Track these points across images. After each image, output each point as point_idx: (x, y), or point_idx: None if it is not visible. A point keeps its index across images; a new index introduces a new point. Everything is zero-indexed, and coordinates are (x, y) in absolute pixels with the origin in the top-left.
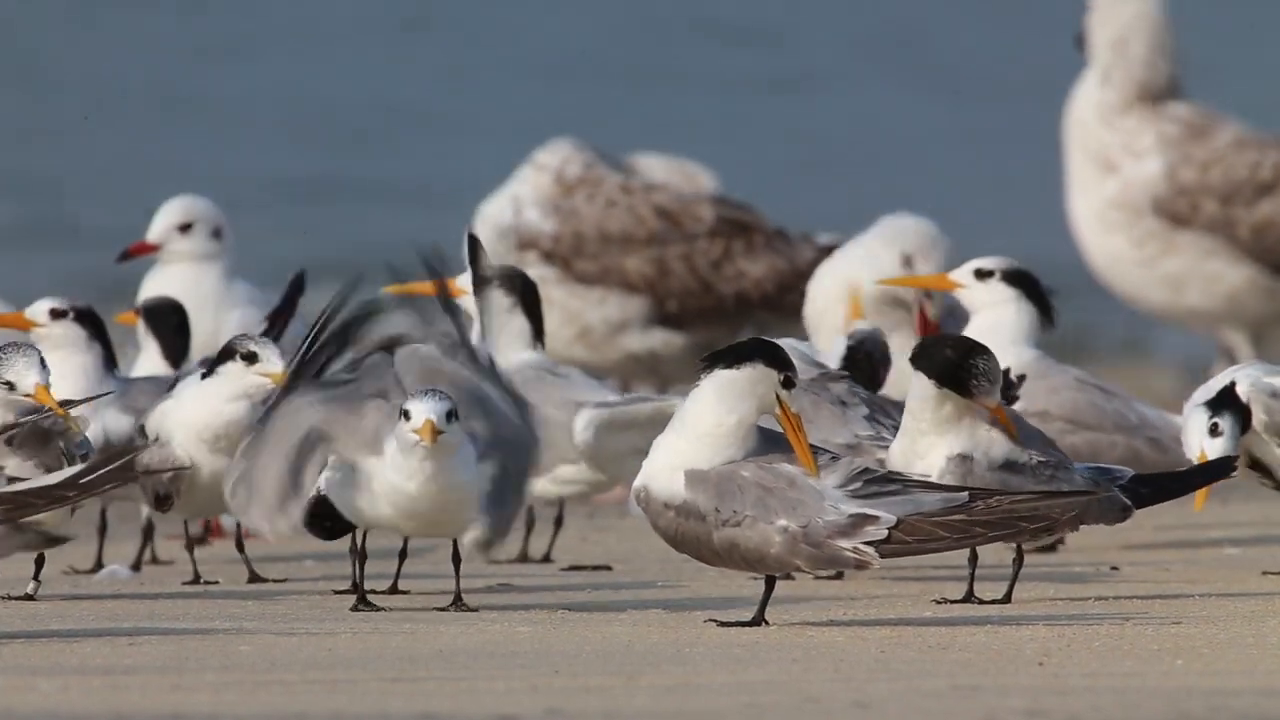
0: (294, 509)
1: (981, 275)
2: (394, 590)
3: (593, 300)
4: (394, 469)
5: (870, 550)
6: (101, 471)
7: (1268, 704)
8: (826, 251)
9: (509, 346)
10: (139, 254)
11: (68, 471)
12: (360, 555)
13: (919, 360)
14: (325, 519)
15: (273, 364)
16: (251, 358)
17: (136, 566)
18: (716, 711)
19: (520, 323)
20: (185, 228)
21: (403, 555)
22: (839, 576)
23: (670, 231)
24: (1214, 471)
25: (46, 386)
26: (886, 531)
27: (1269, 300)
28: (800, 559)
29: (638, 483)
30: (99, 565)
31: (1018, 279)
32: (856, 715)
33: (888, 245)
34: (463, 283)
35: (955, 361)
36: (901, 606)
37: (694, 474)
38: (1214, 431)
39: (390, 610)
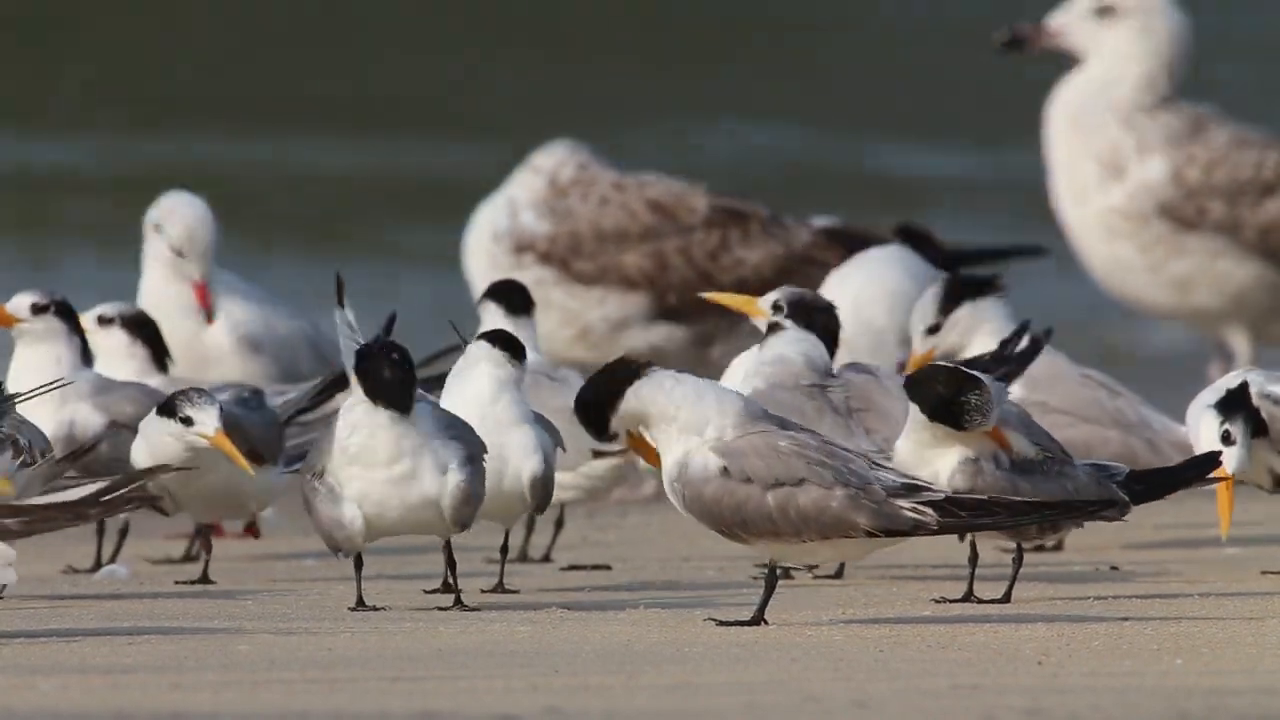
0: None
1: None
2: (499, 589)
3: (592, 300)
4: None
5: (930, 512)
6: (123, 490)
7: (1267, 703)
8: (823, 234)
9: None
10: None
11: (89, 488)
12: (357, 559)
13: (912, 392)
14: None
15: (207, 427)
16: (189, 421)
17: (96, 566)
18: (716, 711)
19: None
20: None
21: (504, 550)
22: (839, 575)
23: (665, 224)
24: (1201, 466)
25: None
26: (943, 495)
27: (1273, 295)
28: (862, 515)
29: (669, 471)
30: (98, 565)
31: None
32: (856, 714)
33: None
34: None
35: (947, 397)
36: (901, 606)
37: (723, 446)
38: (1226, 439)
39: (389, 610)
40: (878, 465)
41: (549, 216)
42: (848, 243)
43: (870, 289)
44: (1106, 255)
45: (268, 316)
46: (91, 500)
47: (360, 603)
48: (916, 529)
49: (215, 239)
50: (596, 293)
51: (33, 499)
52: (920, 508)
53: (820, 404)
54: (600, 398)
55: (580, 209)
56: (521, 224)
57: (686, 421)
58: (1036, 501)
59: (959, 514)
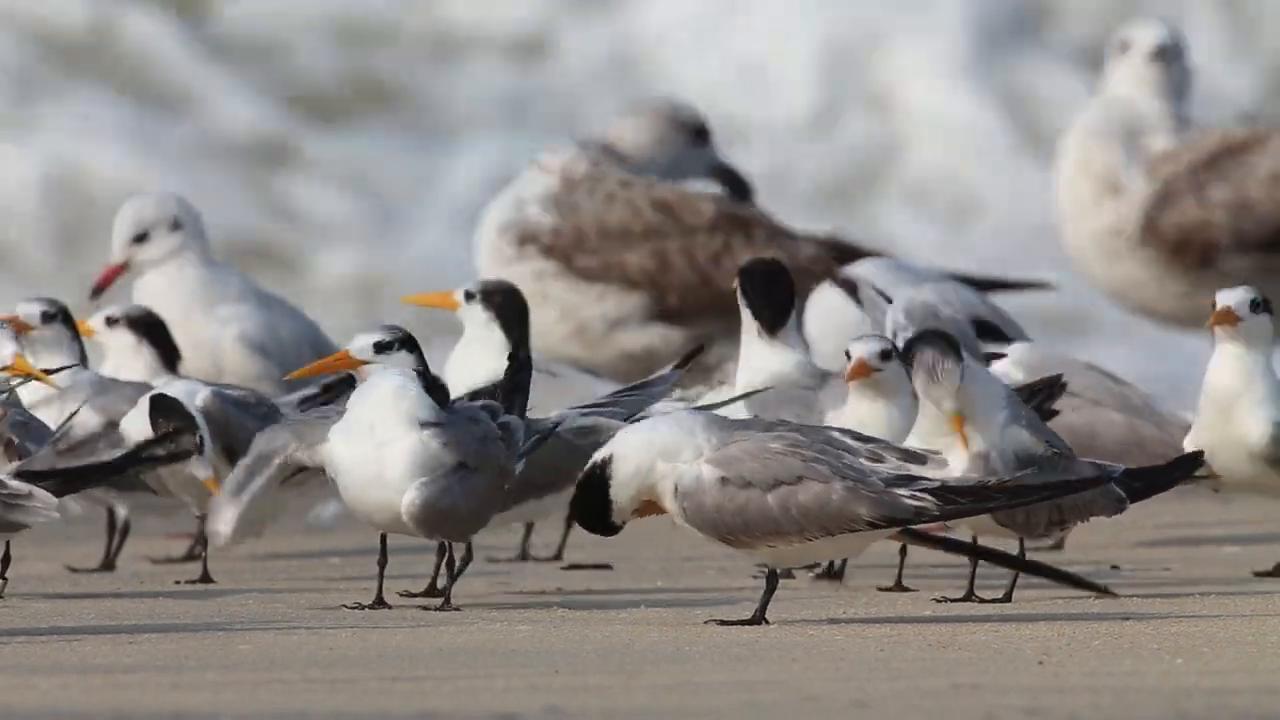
0: (229, 512)
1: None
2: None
3: (591, 296)
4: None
5: (930, 498)
6: (161, 448)
7: (1267, 702)
8: (827, 246)
9: (487, 357)
10: (110, 281)
11: (123, 449)
12: (381, 558)
13: (907, 350)
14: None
15: (201, 473)
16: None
17: (109, 565)
18: (716, 710)
19: (498, 336)
20: (141, 237)
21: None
22: (840, 575)
23: (669, 225)
24: (1188, 464)
25: (22, 356)
26: (938, 483)
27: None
28: (863, 506)
29: (667, 485)
30: (106, 562)
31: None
32: (856, 714)
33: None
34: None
35: (912, 342)
36: (901, 605)
37: (717, 456)
38: (1256, 308)
39: (390, 609)
40: (874, 456)
41: (555, 210)
42: (853, 258)
43: (831, 316)
44: (1111, 275)
45: (271, 319)
46: (130, 458)
47: (373, 602)
48: (919, 516)
49: (140, 225)
50: (597, 289)
51: (72, 463)
52: (920, 495)
53: (816, 397)
54: (596, 500)
55: (586, 205)
56: (527, 216)
57: (665, 454)
58: (1033, 484)
59: (959, 501)
